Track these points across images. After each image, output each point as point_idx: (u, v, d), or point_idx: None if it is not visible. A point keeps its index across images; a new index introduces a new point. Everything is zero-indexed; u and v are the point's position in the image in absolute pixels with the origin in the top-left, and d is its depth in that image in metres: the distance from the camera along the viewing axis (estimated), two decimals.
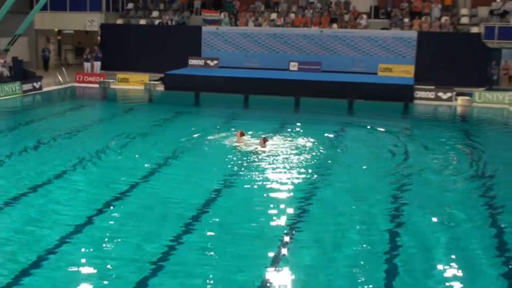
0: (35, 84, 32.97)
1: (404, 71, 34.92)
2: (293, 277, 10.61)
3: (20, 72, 33.02)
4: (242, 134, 20.38)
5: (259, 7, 40.70)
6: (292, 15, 39.40)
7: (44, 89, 33.58)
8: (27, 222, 12.99)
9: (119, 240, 12.14)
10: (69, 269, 10.63)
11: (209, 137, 21.76)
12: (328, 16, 38.67)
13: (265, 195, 15.14)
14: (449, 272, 10.79)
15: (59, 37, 45.37)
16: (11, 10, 33.18)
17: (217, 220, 13.35)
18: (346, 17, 38.70)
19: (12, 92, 31.08)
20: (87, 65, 38.00)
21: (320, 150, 20.18)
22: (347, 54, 36.70)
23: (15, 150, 19.52)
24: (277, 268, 10.89)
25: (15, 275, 10.21)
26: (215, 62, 37.31)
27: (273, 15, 39.63)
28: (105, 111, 30.72)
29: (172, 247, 11.62)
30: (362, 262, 11.12)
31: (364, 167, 18.34)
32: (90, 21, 41.31)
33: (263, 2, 41.12)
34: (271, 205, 14.31)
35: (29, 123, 25.00)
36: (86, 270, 10.67)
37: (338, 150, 20.46)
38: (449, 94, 31.48)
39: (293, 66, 36.42)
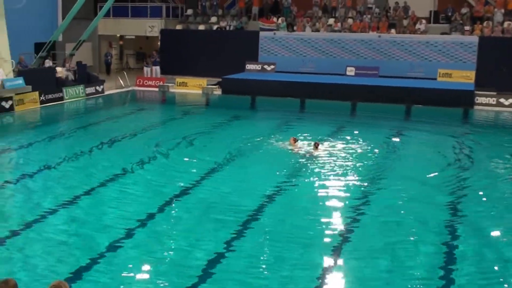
0: (97, 87, 33.47)
1: (464, 77, 33.78)
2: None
3: (84, 76, 33.48)
4: (295, 140, 20.10)
5: (317, 13, 40.19)
6: (350, 20, 38.72)
7: (106, 92, 34.04)
8: (79, 224, 13.00)
9: (169, 244, 11.99)
10: (118, 273, 10.51)
11: (263, 141, 21.52)
12: (386, 21, 37.86)
13: (317, 201, 14.79)
14: None
15: (121, 42, 45.95)
16: (76, 17, 33.69)
17: (269, 226, 13.03)
18: (405, 22, 37.82)
19: (76, 95, 31.57)
20: (147, 69, 38.24)
21: (375, 156, 19.66)
22: (405, 59, 35.82)
23: (77, 150, 19.79)
24: (328, 278, 10.51)
25: (65, 278, 10.03)
26: (272, 66, 36.98)
27: (331, 20, 39.06)
28: (164, 114, 30.86)
29: (221, 254, 11.33)
30: (418, 273, 10.59)
31: (421, 174, 17.55)
32: (151, 27, 41.65)
33: (321, 8, 40.58)
34: (324, 212, 13.95)
35: (91, 125, 25.49)
36: (135, 274, 10.53)
37: (394, 156, 19.81)
38: (511, 100, 30.25)
39: (350, 71, 35.79)
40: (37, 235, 12.29)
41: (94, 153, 19.61)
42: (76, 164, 18.41)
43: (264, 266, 10.91)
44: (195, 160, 18.77)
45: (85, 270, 10.51)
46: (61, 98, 30.47)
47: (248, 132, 23.29)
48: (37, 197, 15.00)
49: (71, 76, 32.88)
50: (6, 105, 26.86)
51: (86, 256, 11.09)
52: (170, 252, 11.53)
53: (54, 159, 18.60)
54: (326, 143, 20.60)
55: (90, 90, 32.77)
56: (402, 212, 14.11)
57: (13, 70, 28.46)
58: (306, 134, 21.76)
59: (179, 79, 36.25)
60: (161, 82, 36.34)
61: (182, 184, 15.83)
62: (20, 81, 27.55)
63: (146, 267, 10.82)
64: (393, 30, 37.13)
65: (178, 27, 41.73)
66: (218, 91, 34.67)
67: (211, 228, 12.76)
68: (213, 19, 41.78)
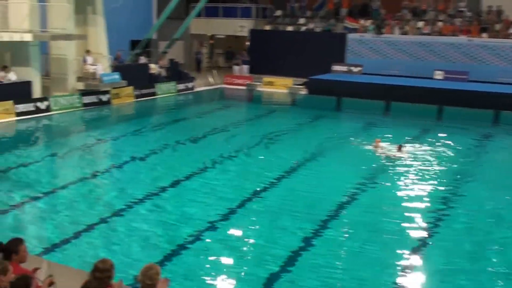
0: (188, 84, 34.48)
1: None
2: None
3: (176, 73, 34.54)
4: (379, 142, 20.30)
5: (406, 15, 39.97)
6: (440, 24, 38.33)
7: (196, 89, 34.98)
8: (163, 214, 13.48)
9: (248, 239, 12.28)
10: (199, 264, 10.85)
11: (346, 142, 21.70)
12: (478, 25, 37.21)
13: (398, 203, 14.82)
14: None
15: (211, 42, 46.88)
16: (169, 16, 34.84)
17: (347, 226, 13.12)
18: (498, 26, 37.04)
19: (168, 91, 32.67)
20: (235, 68, 38.97)
21: (460, 160, 19.45)
22: (497, 64, 35.08)
23: (167, 144, 20.57)
24: (407, 278, 10.65)
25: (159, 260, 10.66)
26: (359, 68, 37.06)
27: (420, 23, 38.74)
28: (251, 112, 31.46)
29: (298, 251, 11.52)
30: (501, 283, 10.54)
31: (507, 181, 17.22)
32: (241, 27, 42.31)
33: (410, 10, 40.33)
34: (404, 214, 13.93)
35: (180, 120, 26.39)
36: (216, 265, 10.84)
37: (480, 161, 19.60)
38: None
39: (438, 74, 35.37)
40: (124, 223, 12.85)
41: (181, 147, 20.27)
42: (163, 156, 19.15)
43: (345, 261, 11.14)
44: (278, 158, 19.09)
45: (167, 259, 10.89)
46: (154, 94, 31.59)
47: (332, 132, 23.54)
48: (126, 187, 15.72)
49: (163, 73, 33.99)
50: (104, 98, 28.16)
51: (168, 245, 11.53)
52: (251, 247, 11.76)
53: (144, 151, 19.41)
54: (409, 146, 20.53)
55: (181, 86, 33.82)
56: (482, 219, 13.88)
57: (110, 66, 29.69)
58: (389, 136, 21.76)
59: (266, 78, 36.80)
60: (249, 80, 37.00)
61: (263, 181, 16.11)
62: (116, 76, 28.77)
63: (226, 260, 11.08)
64: (484, 34, 36.44)
65: (267, 27, 42.27)
66: (304, 91, 34.97)
67: (293, 223, 12.97)
68: (301, 20, 42.09)
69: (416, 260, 11.55)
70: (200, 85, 35.97)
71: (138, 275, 6.20)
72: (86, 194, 14.94)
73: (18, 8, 24.05)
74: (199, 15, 39.67)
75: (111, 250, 11.17)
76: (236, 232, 12.63)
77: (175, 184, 15.81)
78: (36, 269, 7.02)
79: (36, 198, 14.33)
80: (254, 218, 13.53)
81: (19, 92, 24.74)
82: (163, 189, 15.27)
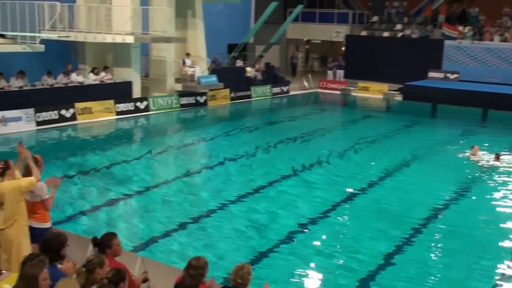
0: (283, 87, 34.05)
1: None
2: None
3: (271, 77, 34.21)
4: (477, 150, 18.93)
5: (506, 22, 37.65)
6: None
7: (291, 93, 34.47)
8: (254, 216, 13.16)
9: (341, 243, 11.84)
10: (291, 267, 10.49)
11: (442, 148, 20.75)
12: None
13: (495, 212, 13.92)
14: None
15: (307, 46, 46.28)
16: (267, 21, 34.46)
17: (441, 232, 12.44)
18: None
19: (263, 94, 32.35)
20: (330, 72, 38.15)
21: None
22: None
23: (261, 146, 20.29)
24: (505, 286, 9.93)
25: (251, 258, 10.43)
26: (455, 75, 35.23)
27: None
28: (344, 116, 30.69)
29: (387, 258, 10.92)
30: None
31: None
32: (337, 33, 41.47)
33: (511, 17, 37.96)
34: (500, 224, 13.05)
35: (274, 122, 26.02)
36: (307, 269, 10.50)
37: None
38: None
39: None
40: (215, 223, 12.63)
41: (274, 149, 19.96)
42: (257, 158, 18.86)
43: (433, 275, 10.37)
44: (371, 163, 18.43)
45: (255, 262, 10.55)
46: (249, 96, 31.34)
47: (427, 139, 22.52)
48: (218, 187, 15.53)
49: (259, 76, 33.73)
50: (201, 99, 28.17)
51: (257, 247, 11.24)
52: (338, 254, 11.25)
53: (238, 152, 19.19)
54: (508, 155, 19.32)
55: (276, 90, 33.44)
56: None
57: (208, 68, 29.67)
58: (486, 144, 20.59)
59: (361, 84, 35.85)
60: (344, 85, 36.12)
61: (354, 185, 15.59)
62: (213, 78, 28.64)
63: (314, 265, 10.67)
64: None
65: (363, 33, 41.16)
66: (399, 97, 33.79)
67: (379, 233, 12.31)
68: (398, 26, 40.67)
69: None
70: (295, 89, 35.49)
71: (230, 274, 6.14)
72: (179, 193, 14.89)
73: (121, 11, 24.33)
74: (296, 20, 39.07)
75: (201, 249, 10.94)
76: (325, 237, 12.14)
77: (266, 186, 15.51)
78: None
79: (130, 195, 14.36)
80: (343, 224, 13.06)
81: (120, 92, 25.07)
82: (255, 191, 15.01)
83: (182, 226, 12.25)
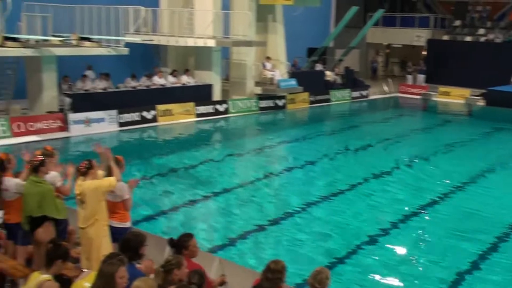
0: (362, 92, 33.16)
1: None
2: None
3: (351, 81, 33.40)
4: None
5: None
6: None
7: (370, 97, 33.50)
8: (335, 217, 12.78)
9: (427, 242, 11.43)
10: (377, 266, 10.13)
11: None
12: None
13: None
14: None
15: (387, 51, 44.95)
16: (347, 25, 33.62)
17: None
18: None
19: (342, 98, 31.55)
20: (410, 77, 36.70)
21: None
22: None
23: (339, 150, 19.77)
24: None
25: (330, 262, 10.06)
26: None
27: None
28: (424, 121, 29.46)
29: (469, 271, 10.12)
30: None
31: None
32: (417, 37, 39.92)
33: None
34: None
35: (353, 126, 25.24)
36: (378, 282, 9.82)
37: None
38: None
39: None
40: (293, 226, 12.19)
41: (353, 154, 19.32)
42: (335, 162, 18.32)
43: None
44: (450, 170, 17.37)
45: (336, 264, 10.15)
46: (328, 100, 30.60)
47: (510, 146, 21.44)
48: (296, 190, 15.08)
49: (338, 80, 32.95)
50: (280, 103, 27.71)
51: (339, 249, 10.83)
52: (411, 266, 10.47)
53: (316, 156, 18.71)
54: None
55: (356, 94, 32.57)
56: None
57: (287, 72, 29.22)
58: None
59: (442, 88, 34.42)
60: (424, 90, 34.75)
61: (432, 194, 14.67)
62: (293, 82, 28.16)
63: (385, 278, 9.89)
64: None
65: (445, 37, 39.49)
66: (481, 102, 32.17)
67: (454, 246, 11.36)
68: (481, 31, 38.71)
69: None
70: (374, 93, 34.46)
71: (309, 278, 5.93)
72: (257, 195, 14.54)
73: (203, 15, 24.27)
74: (376, 24, 37.81)
75: (278, 252, 10.59)
76: (406, 242, 11.55)
77: (345, 190, 14.88)
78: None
79: (208, 197, 14.14)
80: (425, 229, 12.36)
81: (200, 94, 24.91)
82: (334, 194, 14.47)
83: (260, 228, 11.93)
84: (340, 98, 31.28)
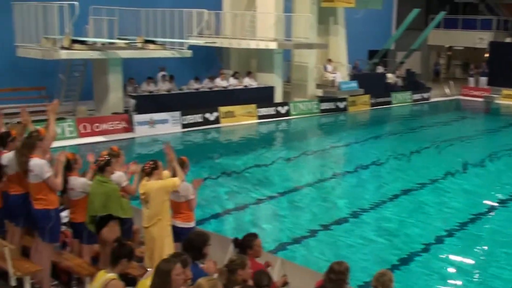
0: (424, 94, 32.32)
1: None
2: None
3: (412, 83, 32.58)
4: None
5: None
6: None
7: (432, 100, 32.53)
8: (393, 222, 12.42)
9: (484, 251, 10.90)
10: (430, 275, 9.72)
11: None
12: None
13: None
14: None
15: (449, 53, 43.68)
16: (408, 27, 32.76)
17: None
18: None
19: (403, 100, 30.85)
20: (471, 79, 35.46)
21: None
22: None
23: (399, 153, 19.13)
24: None
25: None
26: None
27: None
28: (486, 124, 28.46)
29: None
30: None
31: None
32: (480, 39, 38.53)
33: None
34: None
35: (415, 129, 24.51)
36: (449, 277, 9.73)
37: None
38: None
39: None
40: (351, 229, 11.97)
41: (413, 157, 18.72)
42: (395, 165, 17.88)
43: None
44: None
45: (396, 267, 9.78)
46: (389, 102, 29.93)
47: None
48: (355, 193, 14.88)
49: (399, 83, 32.27)
50: (341, 105, 27.28)
51: (392, 256, 10.44)
52: (475, 270, 10.13)
53: (376, 158, 18.31)
54: None
55: (417, 96, 31.75)
56: None
57: (349, 74, 28.74)
58: None
59: (505, 91, 33.16)
60: (487, 93, 33.59)
61: (496, 198, 14.18)
62: (354, 84, 27.71)
63: (449, 280, 9.72)
64: None
65: (508, 40, 37.98)
66: None
67: None
68: None
69: None
70: (436, 96, 33.50)
71: (372, 280, 5.79)
72: (317, 197, 14.46)
73: (265, 18, 24.02)
74: (437, 26, 36.68)
75: (339, 255, 10.17)
76: (461, 251, 10.95)
77: (403, 194, 14.38)
78: (268, 264, 6.83)
79: (269, 197, 14.03)
80: (481, 237, 11.76)
81: (262, 96, 24.74)
82: (391, 199, 13.96)
83: (324, 228, 11.78)
84: (401, 100, 30.55)
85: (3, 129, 8.39)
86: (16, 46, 19.53)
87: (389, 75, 31.32)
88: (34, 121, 9.57)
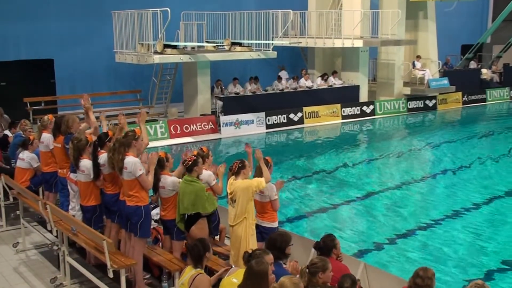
0: None
1: None
2: None
3: (510, 79, 31.54)
4: None
5: None
6: None
7: None
8: (476, 233, 12.09)
9: None
10: None
11: None
12: None
13: None
14: None
15: None
16: (506, 18, 32.05)
17: None
18: None
19: (500, 97, 30.44)
20: None
21: None
22: None
23: (492, 155, 18.93)
24: None
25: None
26: None
27: None
28: None
29: None
30: None
31: None
32: None
33: None
34: None
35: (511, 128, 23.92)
36: None
37: None
38: None
39: None
40: (441, 233, 11.94)
41: (506, 159, 18.47)
42: (486, 167, 17.48)
43: None
44: None
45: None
46: (484, 100, 29.62)
47: None
48: (441, 197, 14.74)
49: (496, 78, 31.66)
50: (430, 103, 27.30)
51: (482, 267, 10.37)
52: None
53: (466, 160, 18.17)
54: None
55: None
56: None
57: (439, 71, 28.61)
58: None
59: None
60: None
61: None
62: (445, 81, 27.58)
63: None
64: None
65: None
66: None
67: None
68: None
69: None
70: None
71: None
72: (401, 200, 14.47)
73: (351, 15, 24.29)
74: None
75: (424, 260, 10.38)
76: None
77: (490, 200, 14.15)
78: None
79: (352, 199, 14.28)
80: None
81: (347, 96, 25.19)
82: (477, 206, 13.71)
83: (410, 232, 11.86)
84: (497, 97, 30.13)
85: (105, 130, 9.07)
86: (115, 52, 21.17)
87: (484, 71, 30.91)
88: (130, 123, 10.23)
